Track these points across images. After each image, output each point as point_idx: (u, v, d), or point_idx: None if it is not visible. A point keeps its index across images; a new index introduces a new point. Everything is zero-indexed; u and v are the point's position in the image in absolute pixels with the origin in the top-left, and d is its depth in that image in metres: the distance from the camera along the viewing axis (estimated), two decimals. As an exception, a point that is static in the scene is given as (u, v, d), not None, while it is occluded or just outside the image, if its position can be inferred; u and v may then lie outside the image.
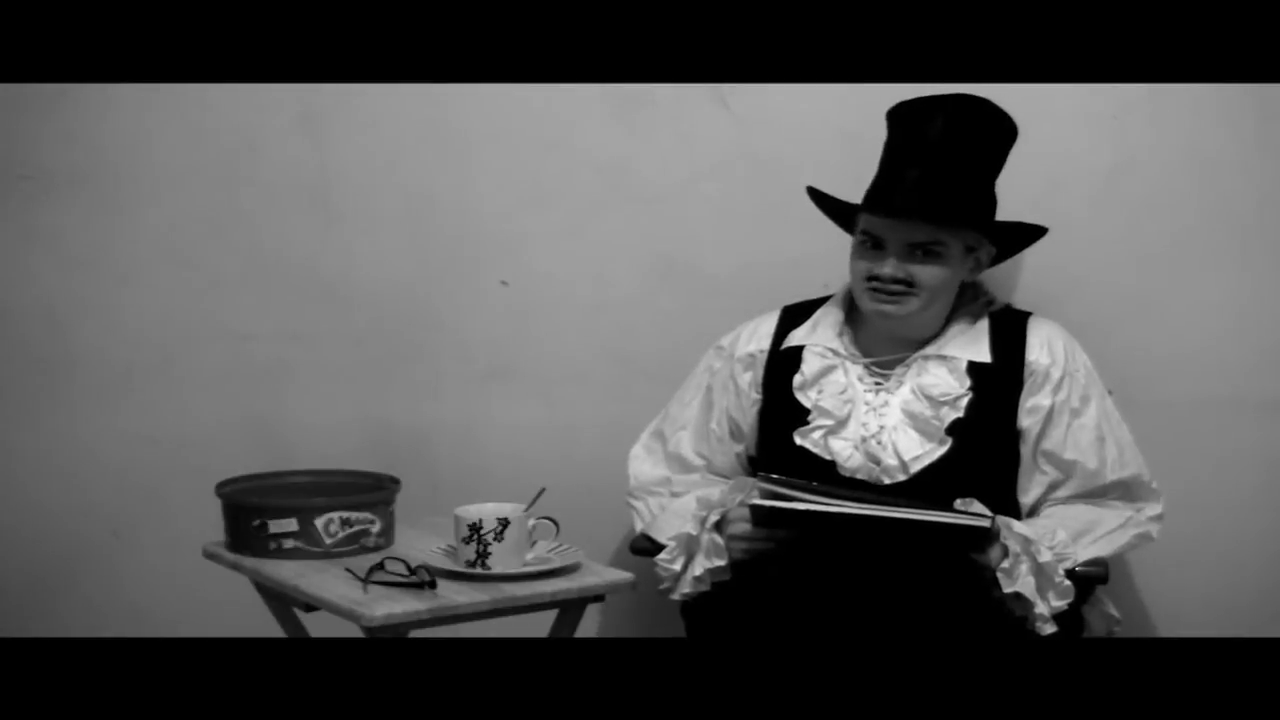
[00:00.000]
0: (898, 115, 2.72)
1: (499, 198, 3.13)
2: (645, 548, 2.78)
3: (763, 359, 2.81)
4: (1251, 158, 2.96)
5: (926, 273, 2.68)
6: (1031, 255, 2.89)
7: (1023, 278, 2.95)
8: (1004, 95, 2.74)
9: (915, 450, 2.67)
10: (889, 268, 2.67)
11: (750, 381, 2.81)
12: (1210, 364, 2.99)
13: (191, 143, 3.15)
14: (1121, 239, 2.99)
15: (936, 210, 2.65)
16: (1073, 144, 2.99)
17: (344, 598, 2.45)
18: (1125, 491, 2.71)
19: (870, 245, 2.70)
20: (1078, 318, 2.83)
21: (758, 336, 2.83)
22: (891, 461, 2.67)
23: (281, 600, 2.70)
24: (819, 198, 2.77)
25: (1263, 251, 2.97)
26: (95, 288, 3.18)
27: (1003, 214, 2.75)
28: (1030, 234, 2.76)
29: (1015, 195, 2.76)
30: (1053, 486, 2.70)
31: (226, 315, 3.18)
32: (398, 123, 3.12)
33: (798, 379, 2.76)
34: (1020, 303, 2.88)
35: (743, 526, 2.63)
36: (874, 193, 2.70)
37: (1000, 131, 2.71)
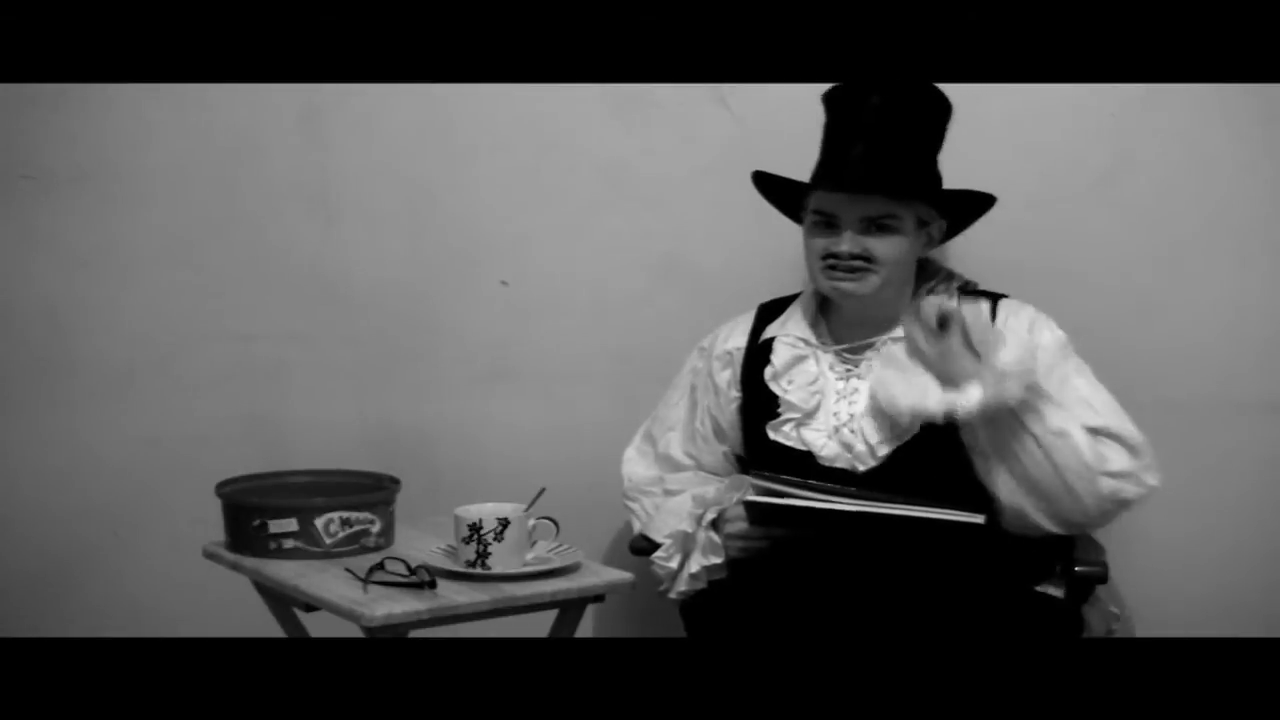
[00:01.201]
0: (834, 98, 2.72)
1: (499, 198, 3.13)
2: (644, 547, 2.78)
3: (740, 355, 2.81)
4: (1252, 158, 2.96)
5: (883, 246, 2.67)
6: (1031, 255, 2.90)
7: (1022, 277, 2.94)
8: (1004, 95, 2.74)
9: (885, 431, 2.67)
10: (846, 244, 2.67)
11: (729, 379, 2.81)
12: (1210, 364, 2.99)
13: (191, 143, 3.15)
14: (1121, 239, 2.99)
15: (887, 182, 2.64)
16: (1072, 143, 2.99)
17: (344, 598, 2.45)
18: (1118, 439, 2.65)
19: (824, 224, 2.70)
20: (1078, 318, 2.82)
21: (735, 334, 2.84)
22: (861, 448, 2.67)
23: (281, 600, 2.70)
24: (765, 183, 2.77)
25: (1263, 251, 2.97)
26: (95, 288, 3.19)
27: (1000, 212, 2.74)
28: (979, 203, 2.73)
29: (1015, 195, 2.76)
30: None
31: (226, 315, 3.18)
32: (398, 123, 3.12)
33: (768, 370, 2.76)
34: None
35: (740, 525, 2.64)
36: (822, 170, 2.71)
37: (937, 107, 2.70)
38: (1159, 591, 3.03)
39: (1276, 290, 2.97)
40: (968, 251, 2.87)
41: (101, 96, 3.11)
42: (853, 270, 2.67)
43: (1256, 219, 2.96)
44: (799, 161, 2.94)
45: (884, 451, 2.66)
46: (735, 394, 2.81)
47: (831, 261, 2.68)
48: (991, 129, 2.83)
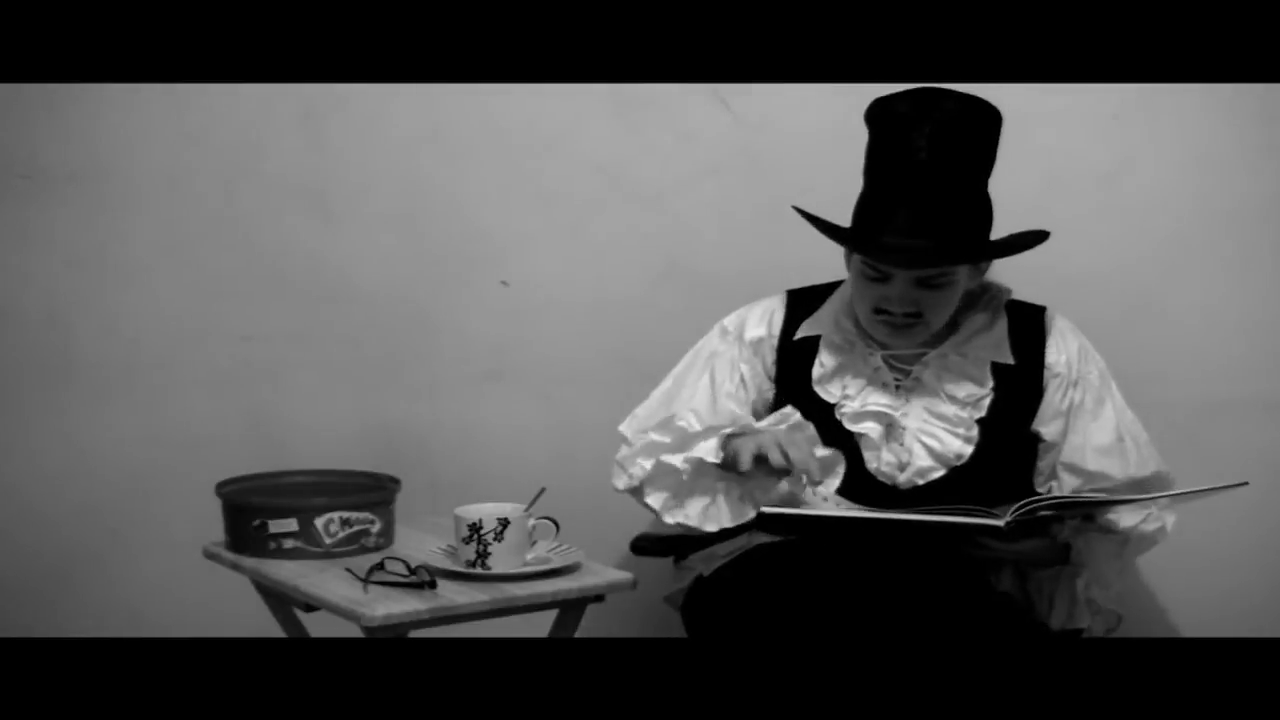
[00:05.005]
0: (882, 121, 2.60)
1: (499, 198, 3.13)
2: (645, 548, 2.78)
3: (772, 344, 2.74)
4: (1252, 158, 2.96)
5: (936, 300, 2.61)
6: (1032, 255, 2.88)
7: (1024, 277, 2.94)
8: (1004, 95, 2.73)
9: (939, 449, 2.65)
10: (897, 303, 2.59)
11: (760, 369, 2.75)
12: (1210, 364, 2.99)
13: (191, 143, 3.15)
14: (1121, 239, 2.99)
15: (947, 252, 2.57)
16: (1072, 144, 2.99)
17: (344, 598, 2.45)
18: (1143, 489, 2.69)
19: (875, 278, 2.61)
20: (1078, 318, 2.82)
21: (765, 322, 2.75)
22: (924, 463, 2.64)
23: (281, 600, 2.70)
24: (810, 219, 2.68)
25: (1263, 251, 2.97)
26: (95, 288, 3.18)
27: (1001, 214, 2.71)
28: (1034, 239, 2.68)
29: (1014, 196, 2.76)
30: (1077, 491, 2.69)
31: (226, 315, 3.18)
32: (398, 123, 3.12)
33: (816, 371, 2.70)
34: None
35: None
36: (873, 234, 2.58)
37: (991, 127, 2.61)
38: (1159, 591, 3.04)
39: (1276, 290, 2.97)
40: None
41: (99, 96, 3.11)
42: (904, 326, 2.62)
43: (1256, 219, 2.97)
44: (799, 162, 2.95)
45: (936, 475, 2.64)
46: (769, 385, 2.75)
47: (885, 318, 2.62)
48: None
